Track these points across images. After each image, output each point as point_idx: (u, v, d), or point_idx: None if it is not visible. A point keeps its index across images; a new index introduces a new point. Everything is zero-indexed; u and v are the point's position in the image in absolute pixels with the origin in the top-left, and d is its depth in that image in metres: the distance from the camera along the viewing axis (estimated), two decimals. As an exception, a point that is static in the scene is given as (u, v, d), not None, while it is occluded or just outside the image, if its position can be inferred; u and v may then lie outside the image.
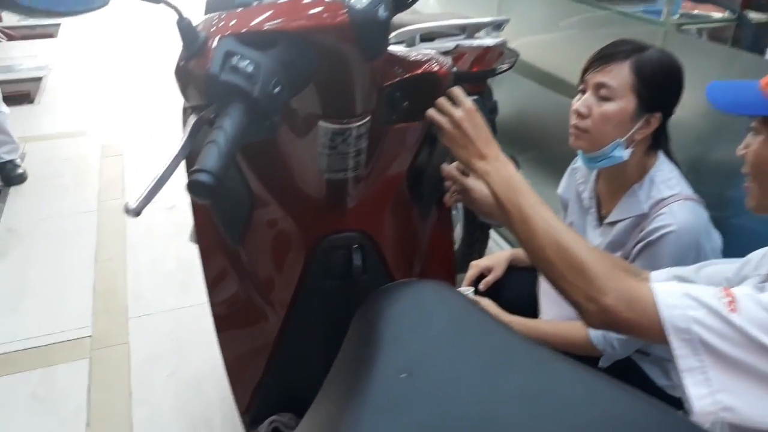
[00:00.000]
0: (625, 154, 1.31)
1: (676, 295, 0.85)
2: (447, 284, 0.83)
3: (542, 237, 0.93)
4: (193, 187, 0.70)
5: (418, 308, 0.77)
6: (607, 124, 1.30)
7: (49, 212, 3.03)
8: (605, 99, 1.29)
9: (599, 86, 1.30)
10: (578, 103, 1.33)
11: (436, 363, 0.67)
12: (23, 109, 4.31)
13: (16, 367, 2.09)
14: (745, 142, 0.98)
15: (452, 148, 1.04)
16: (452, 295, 0.79)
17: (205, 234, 1.28)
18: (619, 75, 1.28)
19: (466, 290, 1.60)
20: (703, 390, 0.80)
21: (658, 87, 1.28)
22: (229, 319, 1.35)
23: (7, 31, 5.73)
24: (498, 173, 0.99)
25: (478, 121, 1.03)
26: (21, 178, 3.29)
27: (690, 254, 1.26)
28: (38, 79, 4.83)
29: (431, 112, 1.06)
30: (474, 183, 1.28)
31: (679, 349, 0.82)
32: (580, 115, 1.33)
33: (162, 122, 3.94)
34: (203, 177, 0.70)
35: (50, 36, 5.90)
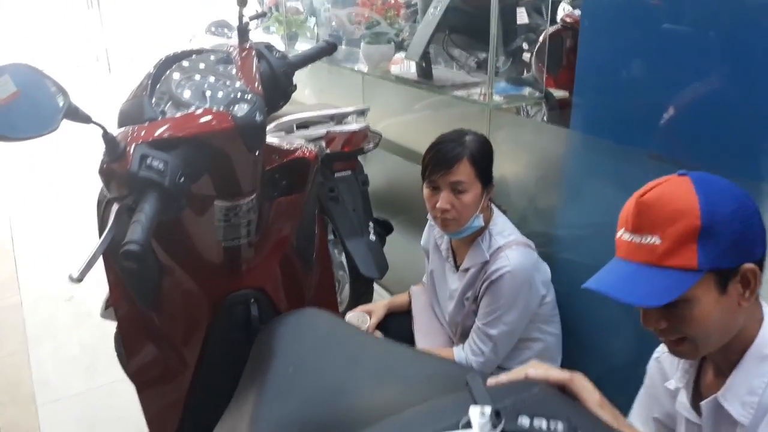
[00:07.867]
0: (481, 220, 1.68)
1: None
2: (322, 310, 1.10)
3: None
4: (125, 255, 0.93)
5: (302, 326, 1.04)
6: (469, 209, 1.64)
7: (-60, 316, 3.00)
8: (462, 192, 1.61)
9: (455, 184, 1.61)
10: (441, 202, 1.63)
11: (315, 358, 0.94)
12: None
13: None
14: (654, 316, 0.92)
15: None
16: (325, 315, 1.07)
17: (121, 305, 1.47)
18: (466, 170, 1.61)
19: (361, 317, 1.86)
20: None
21: (487, 164, 1.67)
22: (147, 379, 1.51)
23: None
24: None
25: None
26: None
27: (524, 288, 1.64)
28: None
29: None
30: None
31: None
32: (445, 211, 1.63)
33: (51, 216, 4.00)
34: (133, 247, 0.93)
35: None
